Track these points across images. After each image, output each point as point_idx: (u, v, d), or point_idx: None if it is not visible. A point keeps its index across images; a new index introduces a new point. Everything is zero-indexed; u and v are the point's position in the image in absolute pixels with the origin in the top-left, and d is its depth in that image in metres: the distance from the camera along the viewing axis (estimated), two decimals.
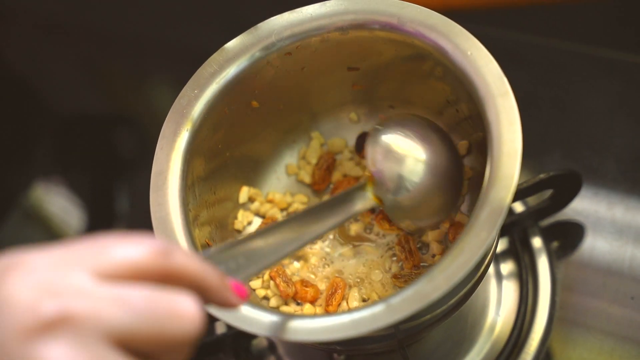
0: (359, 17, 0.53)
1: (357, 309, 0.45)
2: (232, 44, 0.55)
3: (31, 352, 0.29)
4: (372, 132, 0.54)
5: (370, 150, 0.53)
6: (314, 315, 0.49)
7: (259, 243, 0.45)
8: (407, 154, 0.53)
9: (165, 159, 0.52)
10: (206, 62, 0.55)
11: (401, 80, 0.58)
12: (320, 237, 0.55)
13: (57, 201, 0.84)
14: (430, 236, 0.57)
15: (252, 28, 0.55)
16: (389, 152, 0.53)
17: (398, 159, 0.53)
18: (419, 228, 0.57)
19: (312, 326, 0.45)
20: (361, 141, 0.61)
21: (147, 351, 0.31)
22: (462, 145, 0.58)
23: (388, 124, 0.55)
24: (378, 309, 0.44)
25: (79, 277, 0.31)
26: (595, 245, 0.66)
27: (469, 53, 0.49)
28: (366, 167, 0.54)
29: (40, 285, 0.30)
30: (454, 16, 0.51)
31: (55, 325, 0.29)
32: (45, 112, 0.91)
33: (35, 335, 0.29)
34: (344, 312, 0.45)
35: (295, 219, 0.48)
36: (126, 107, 0.92)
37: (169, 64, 0.89)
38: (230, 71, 0.54)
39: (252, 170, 0.61)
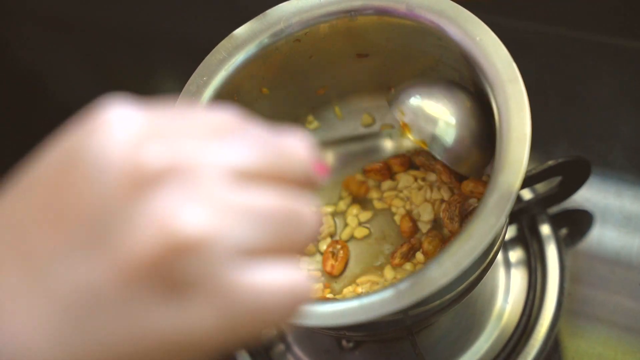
0: (367, 3, 0.53)
1: (365, 294, 0.45)
2: (240, 30, 0.55)
3: (137, 207, 0.24)
4: (403, 91, 0.53)
5: (403, 107, 0.52)
6: (323, 300, 0.49)
7: None
8: (440, 113, 0.52)
9: None
10: (215, 49, 0.55)
11: (410, 65, 0.58)
12: None
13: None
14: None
15: (260, 15, 0.55)
16: (420, 110, 0.52)
17: (431, 118, 0.52)
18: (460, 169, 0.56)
19: (320, 311, 0.45)
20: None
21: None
22: None
23: (417, 85, 0.54)
24: (387, 294, 0.44)
25: (180, 125, 0.26)
26: (604, 233, 0.66)
27: (477, 39, 0.49)
28: (401, 119, 0.53)
29: (139, 134, 0.25)
30: (462, 4, 0.51)
31: (163, 175, 0.25)
32: (53, 106, 0.91)
33: (142, 188, 0.24)
34: (352, 297, 0.45)
35: None
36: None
37: (176, 57, 0.89)
38: (239, 58, 0.54)
39: None
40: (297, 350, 0.64)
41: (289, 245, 0.27)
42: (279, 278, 0.26)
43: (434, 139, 0.52)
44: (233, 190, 0.25)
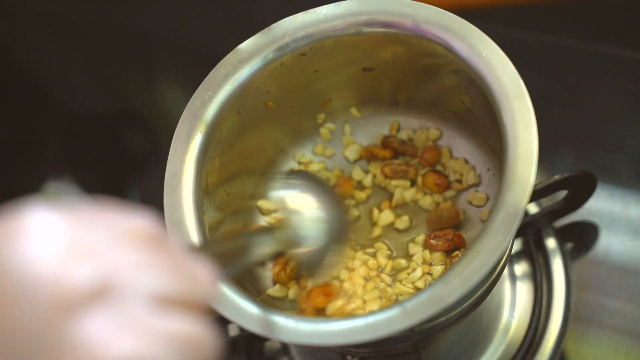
0: (373, 17, 0.53)
1: (372, 312, 0.44)
2: (245, 45, 0.55)
3: (70, 333, 0.24)
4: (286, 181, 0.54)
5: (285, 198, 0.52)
6: (329, 319, 0.49)
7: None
8: (312, 210, 0.52)
9: (179, 161, 0.52)
10: (220, 64, 0.54)
11: (416, 81, 0.57)
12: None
13: (68, 201, 0.84)
14: None
15: (265, 29, 0.55)
16: (300, 203, 0.52)
17: (306, 211, 0.52)
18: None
19: (326, 330, 0.45)
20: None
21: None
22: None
23: (296, 177, 0.54)
24: (393, 312, 0.43)
25: (102, 237, 0.27)
26: (610, 245, 0.66)
27: (484, 54, 0.49)
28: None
29: (65, 245, 0.25)
30: (466, 14, 0.50)
31: (96, 295, 0.25)
32: (56, 111, 0.91)
33: (74, 311, 0.24)
34: (359, 316, 0.45)
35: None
36: (137, 106, 0.92)
37: (180, 63, 0.89)
38: (244, 72, 0.54)
39: (266, 171, 0.61)
40: None
41: None
42: None
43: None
44: (154, 315, 0.27)
